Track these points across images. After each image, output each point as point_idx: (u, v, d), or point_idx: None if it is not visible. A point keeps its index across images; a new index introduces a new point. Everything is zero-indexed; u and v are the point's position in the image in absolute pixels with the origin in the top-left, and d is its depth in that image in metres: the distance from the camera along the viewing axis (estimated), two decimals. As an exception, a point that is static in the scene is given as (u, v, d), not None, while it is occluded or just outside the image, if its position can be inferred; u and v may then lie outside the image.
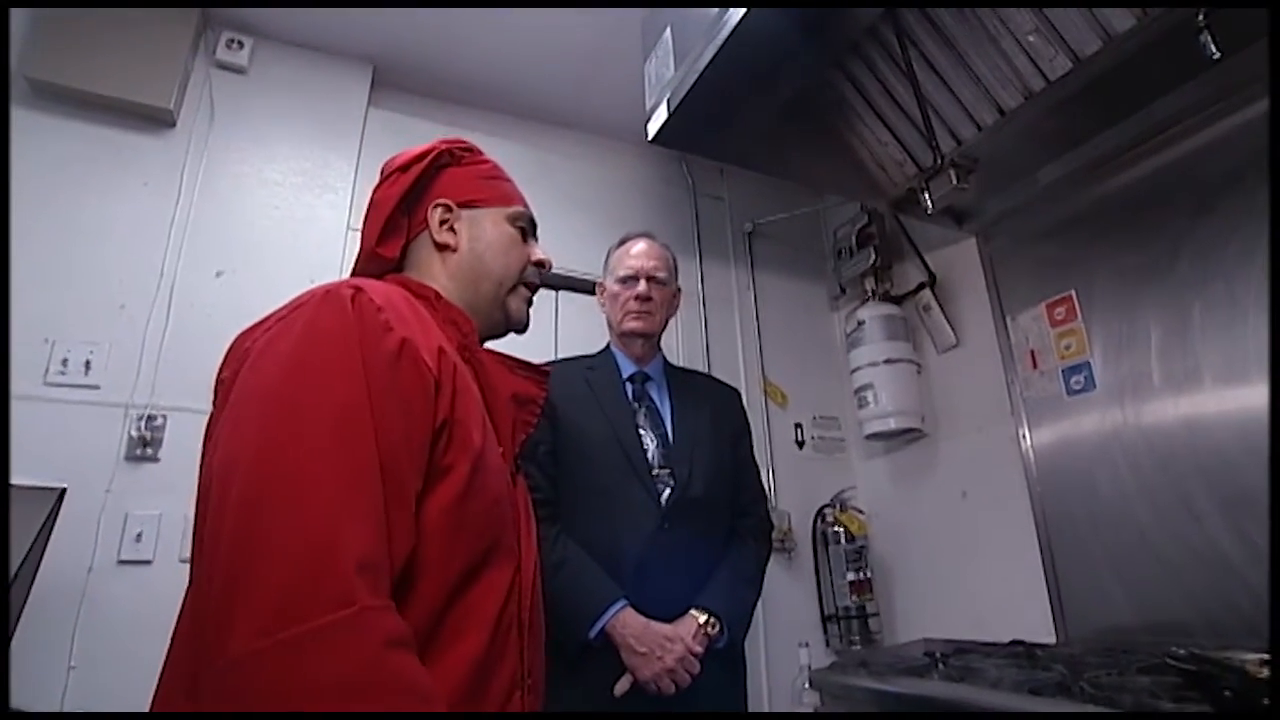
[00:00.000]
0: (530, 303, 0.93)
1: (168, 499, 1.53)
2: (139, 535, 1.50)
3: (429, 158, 0.87)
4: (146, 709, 1.13)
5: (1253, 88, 1.42)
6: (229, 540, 0.53)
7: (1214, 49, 1.22)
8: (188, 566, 1.59)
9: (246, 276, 1.76)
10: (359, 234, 0.88)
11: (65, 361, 1.54)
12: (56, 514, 1.29)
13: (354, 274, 0.86)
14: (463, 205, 0.88)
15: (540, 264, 0.93)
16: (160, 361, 1.62)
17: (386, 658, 0.52)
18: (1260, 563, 1.34)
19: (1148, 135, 1.60)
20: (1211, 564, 1.42)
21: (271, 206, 1.85)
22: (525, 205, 0.95)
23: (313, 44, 2.02)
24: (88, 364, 1.56)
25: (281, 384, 0.60)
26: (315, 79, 2.01)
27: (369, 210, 0.87)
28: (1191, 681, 1.03)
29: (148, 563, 1.50)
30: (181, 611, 0.64)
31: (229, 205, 1.81)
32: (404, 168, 0.86)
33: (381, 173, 0.90)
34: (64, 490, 1.32)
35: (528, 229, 0.93)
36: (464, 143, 0.92)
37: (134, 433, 1.55)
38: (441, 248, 0.86)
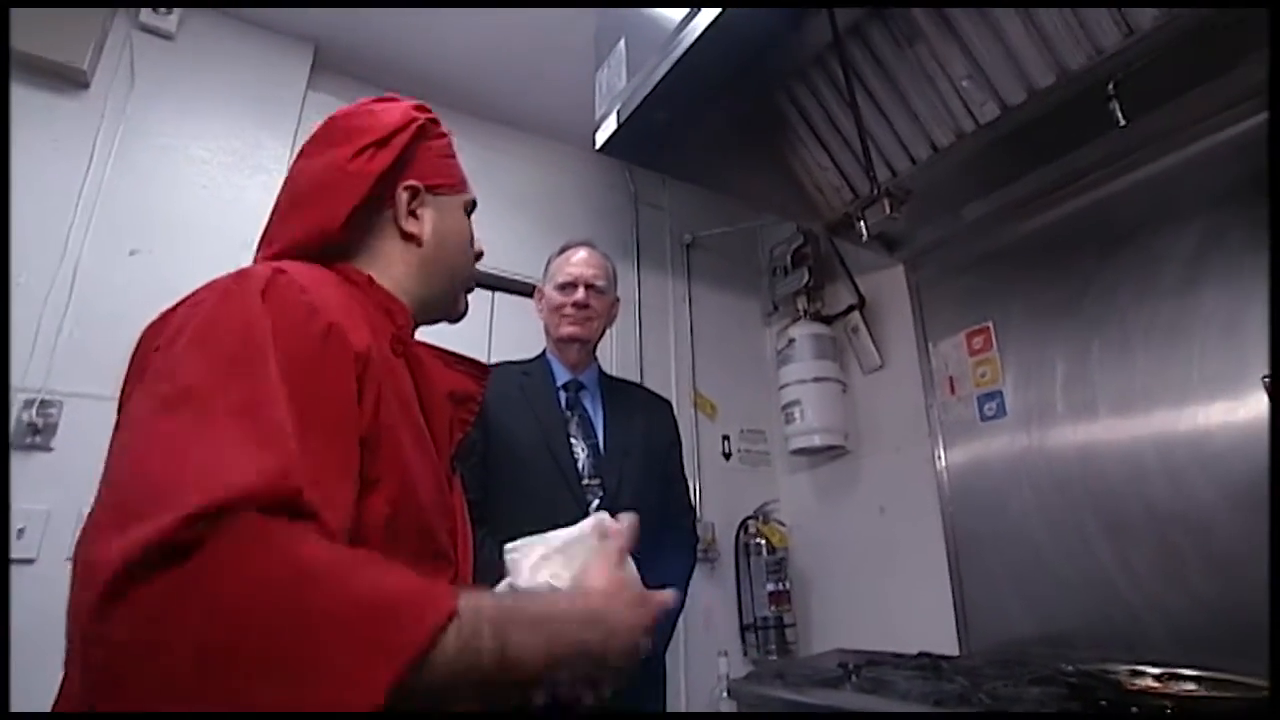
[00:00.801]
0: (470, 291, 0.88)
1: (58, 493, 1.41)
2: (21, 531, 1.38)
3: (411, 130, 0.77)
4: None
5: (1149, 149, 1.56)
6: (108, 491, 0.48)
7: (1120, 116, 1.34)
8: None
9: (165, 257, 1.65)
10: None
11: (-58, 336, 1.41)
12: (-73, 505, 1.18)
13: (279, 254, 0.74)
14: (431, 189, 0.80)
15: (479, 255, 0.88)
16: (59, 343, 1.50)
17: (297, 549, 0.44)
18: (1136, 585, 1.47)
19: (1064, 182, 1.72)
20: (1096, 584, 1.54)
21: (198, 185, 1.75)
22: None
23: (250, 17, 1.92)
24: (-30, 340, 1.43)
25: (178, 374, 0.53)
26: (251, 54, 1.91)
27: (330, 180, 0.74)
28: (1074, 692, 1.12)
29: (30, 561, 1.38)
30: None
31: (148, 179, 1.69)
32: (382, 142, 0.75)
33: (349, 137, 0.76)
34: (-62, 479, 1.21)
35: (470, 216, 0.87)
36: (431, 111, 0.83)
37: (24, 418, 1.43)
38: (407, 237, 0.77)
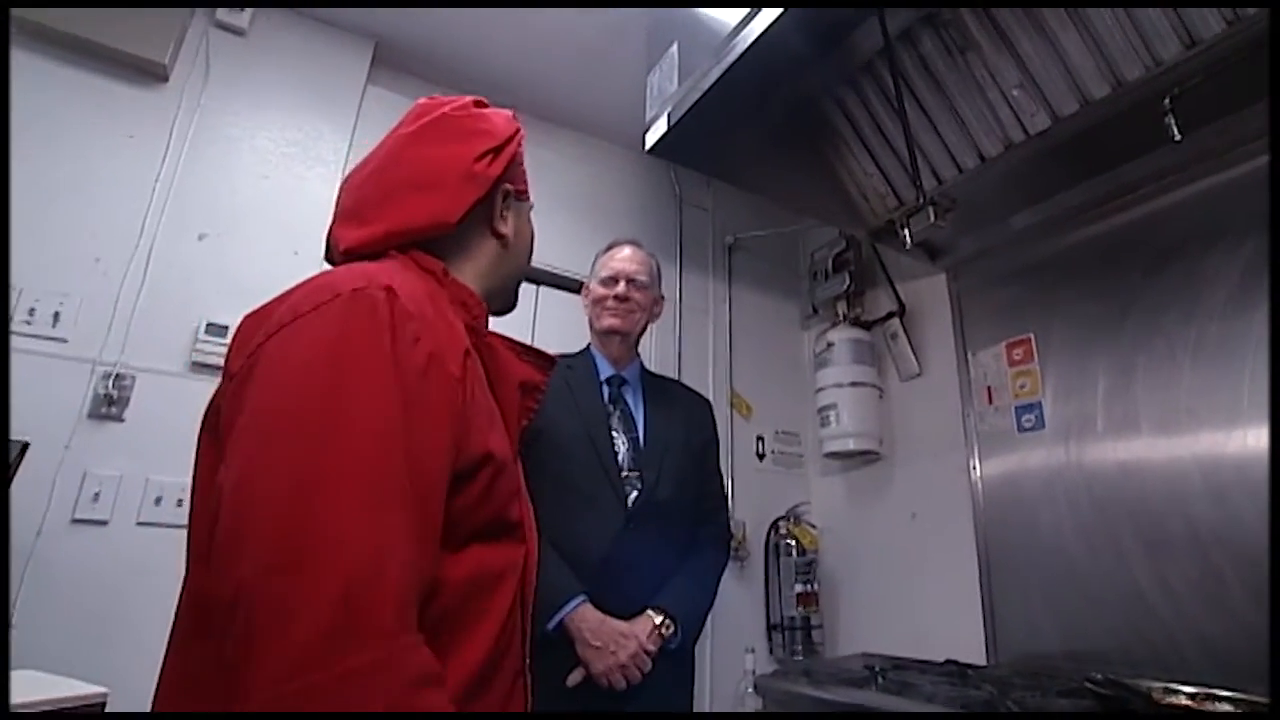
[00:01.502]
0: None
1: (130, 460, 1.51)
2: (96, 495, 1.48)
3: (517, 140, 0.84)
4: (88, 670, 1.13)
5: (1203, 165, 1.54)
6: (256, 576, 0.49)
7: (1176, 131, 1.32)
8: (146, 530, 1.56)
9: (229, 242, 1.74)
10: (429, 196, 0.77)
11: (32, 311, 1.51)
12: (17, 467, 1.27)
13: (383, 236, 0.76)
14: (515, 195, 0.86)
15: None
16: (134, 320, 1.59)
17: (414, 697, 0.50)
18: (1174, 606, 1.45)
19: (1112, 195, 1.70)
20: (1131, 601, 1.52)
21: (260, 175, 1.83)
22: None
23: (316, 14, 2.01)
24: (56, 316, 1.52)
25: (312, 407, 0.55)
26: (315, 49, 2.00)
27: (456, 178, 0.78)
28: (1104, 704, 1.12)
29: (103, 523, 1.48)
30: (180, 606, 0.62)
31: (217, 168, 1.78)
32: (498, 149, 0.81)
33: (460, 130, 0.81)
34: (27, 444, 1.30)
35: None
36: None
37: (100, 390, 1.52)
38: (498, 236, 0.83)
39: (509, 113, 0.87)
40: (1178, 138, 1.32)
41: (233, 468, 0.54)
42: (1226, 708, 1.10)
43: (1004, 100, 1.60)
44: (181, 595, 0.62)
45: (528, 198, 0.90)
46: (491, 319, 0.89)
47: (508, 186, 0.84)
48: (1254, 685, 1.19)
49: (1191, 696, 1.15)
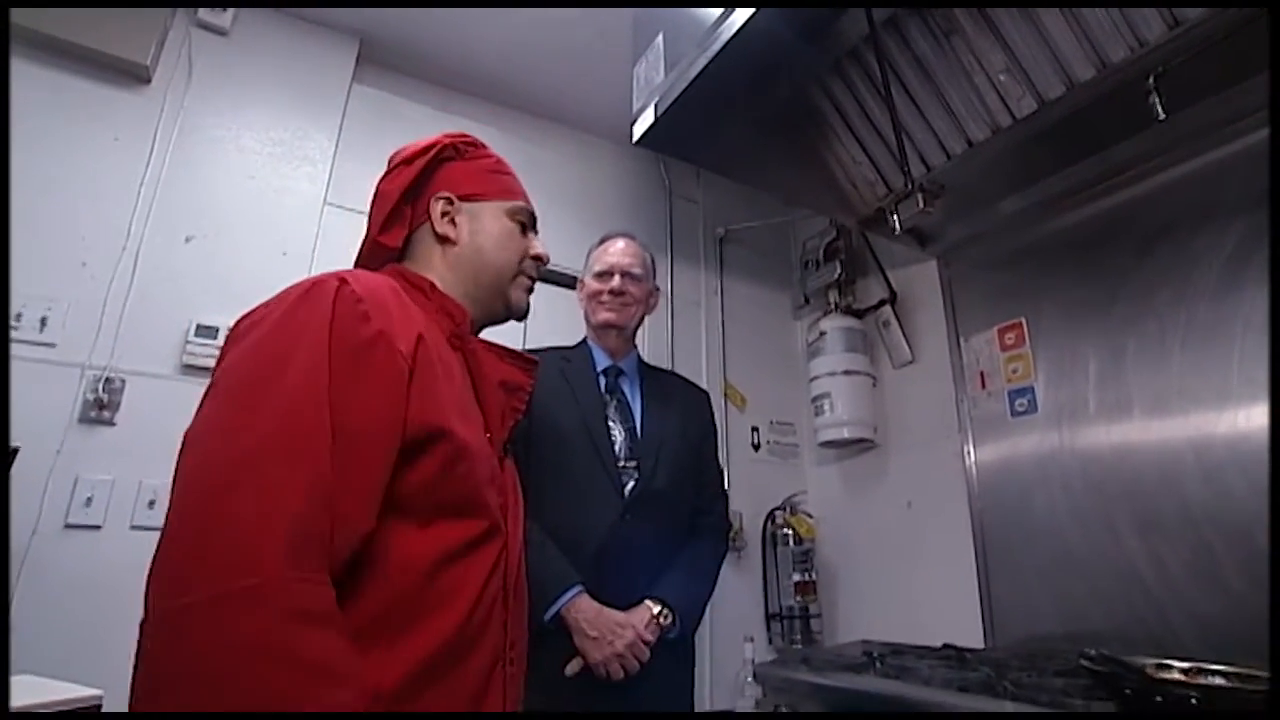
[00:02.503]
0: (530, 291, 0.95)
1: (122, 464, 1.50)
2: (89, 500, 1.47)
3: (433, 151, 0.89)
4: (84, 675, 1.12)
5: (1191, 145, 1.54)
6: (171, 516, 0.56)
7: (1160, 110, 1.32)
8: (139, 534, 1.56)
9: (217, 244, 1.73)
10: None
11: (19, 316, 1.50)
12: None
13: (358, 262, 0.88)
14: (464, 198, 0.89)
15: (538, 258, 0.95)
16: (122, 323, 1.58)
17: (284, 628, 0.52)
18: (1168, 585, 1.46)
19: (1101, 178, 1.71)
20: (1127, 581, 1.53)
21: (246, 175, 1.82)
22: (526, 200, 0.96)
23: (299, 12, 1.99)
24: (43, 321, 1.52)
25: (242, 369, 0.64)
26: (299, 48, 1.98)
27: (374, 200, 0.89)
28: (1099, 681, 1.13)
29: (96, 528, 1.47)
30: None
31: (202, 169, 1.77)
32: (408, 160, 0.89)
33: (388, 164, 0.92)
34: (16, 449, 1.29)
35: (527, 223, 0.95)
36: (468, 137, 0.94)
37: (89, 394, 1.51)
38: (442, 240, 0.88)
39: (445, 134, 0.93)
40: (1161, 117, 1.33)
41: (186, 437, 0.62)
42: (1219, 681, 1.11)
43: (990, 85, 1.59)
44: None
45: (489, 198, 0.92)
46: (499, 325, 0.95)
47: (445, 193, 0.88)
48: (1245, 659, 1.20)
49: (1185, 671, 1.15)
